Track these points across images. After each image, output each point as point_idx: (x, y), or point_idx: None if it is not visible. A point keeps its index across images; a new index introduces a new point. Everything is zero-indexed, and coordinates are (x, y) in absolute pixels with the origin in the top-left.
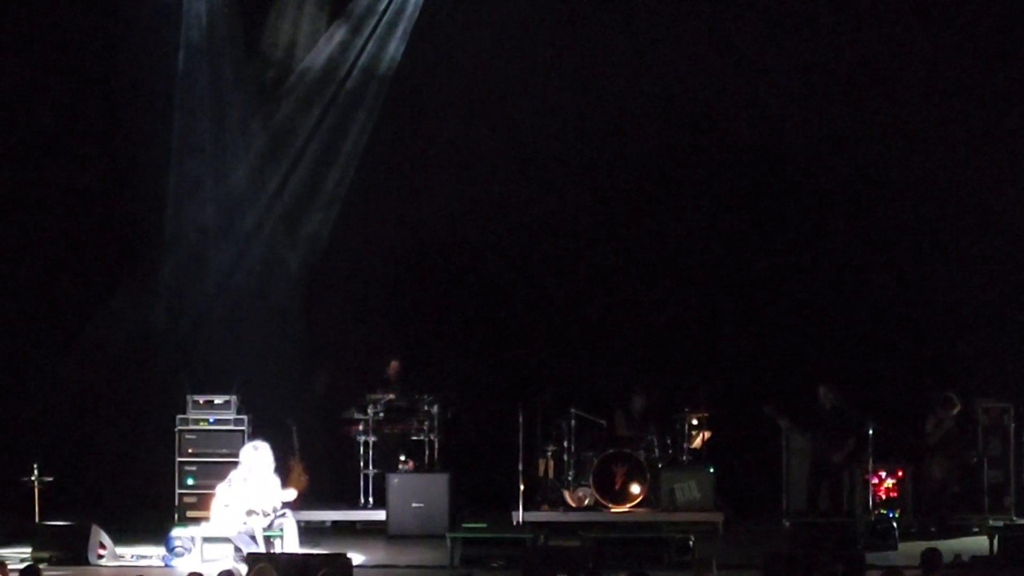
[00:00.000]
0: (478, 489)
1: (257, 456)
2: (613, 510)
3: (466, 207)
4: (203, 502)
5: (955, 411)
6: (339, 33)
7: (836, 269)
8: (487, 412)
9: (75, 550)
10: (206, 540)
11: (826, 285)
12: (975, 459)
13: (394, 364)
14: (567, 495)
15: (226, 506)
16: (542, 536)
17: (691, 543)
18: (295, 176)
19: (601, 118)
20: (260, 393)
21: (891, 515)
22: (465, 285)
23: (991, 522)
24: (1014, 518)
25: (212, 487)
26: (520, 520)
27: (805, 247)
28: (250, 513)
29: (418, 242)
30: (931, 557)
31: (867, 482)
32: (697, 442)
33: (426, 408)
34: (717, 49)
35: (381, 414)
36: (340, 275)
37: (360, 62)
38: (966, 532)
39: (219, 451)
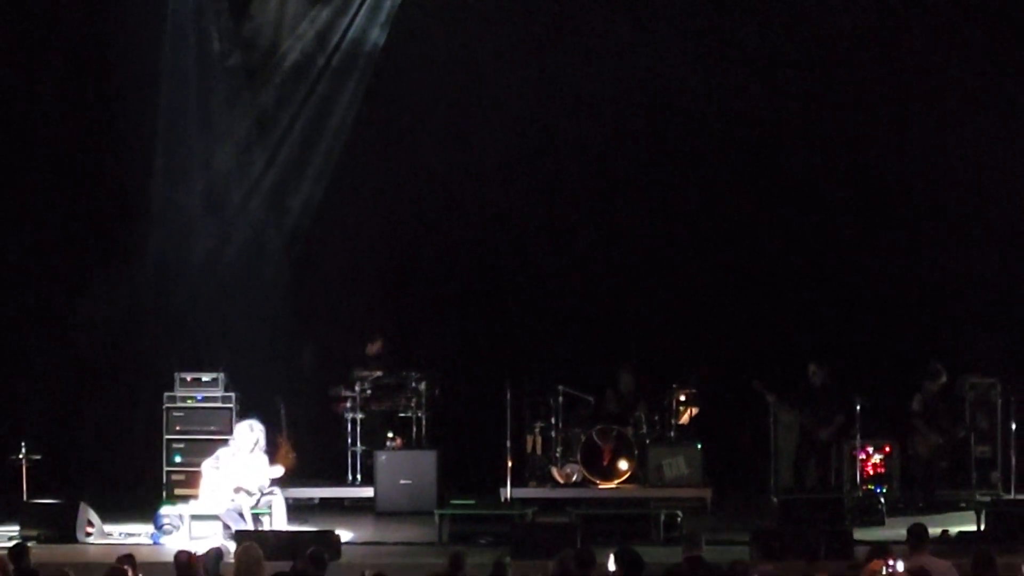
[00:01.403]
0: (466, 466)
1: (252, 437)
2: (601, 486)
3: (453, 184)
4: (191, 480)
5: (942, 381)
6: (324, 12)
7: (825, 246)
8: (475, 389)
9: (63, 528)
10: (194, 518)
11: (815, 261)
12: (962, 435)
13: (379, 342)
14: (555, 472)
15: (212, 490)
16: (530, 513)
17: (679, 519)
18: (282, 153)
19: (589, 95)
20: (248, 370)
21: (879, 491)
22: (452, 262)
23: (978, 497)
24: (1001, 493)
25: (200, 465)
26: (508, 497)
27: (793, 223)
28: (238, 491)
29: (405, 219)
30: (918, 532)
31: (855, 458)
32: (685, 418)
33: (414, 385)
34: (705, 35)
35: (369, 391)
36: (327, 252)
37: (345, 40)
38: (954, 508)
39: (207, 429)
